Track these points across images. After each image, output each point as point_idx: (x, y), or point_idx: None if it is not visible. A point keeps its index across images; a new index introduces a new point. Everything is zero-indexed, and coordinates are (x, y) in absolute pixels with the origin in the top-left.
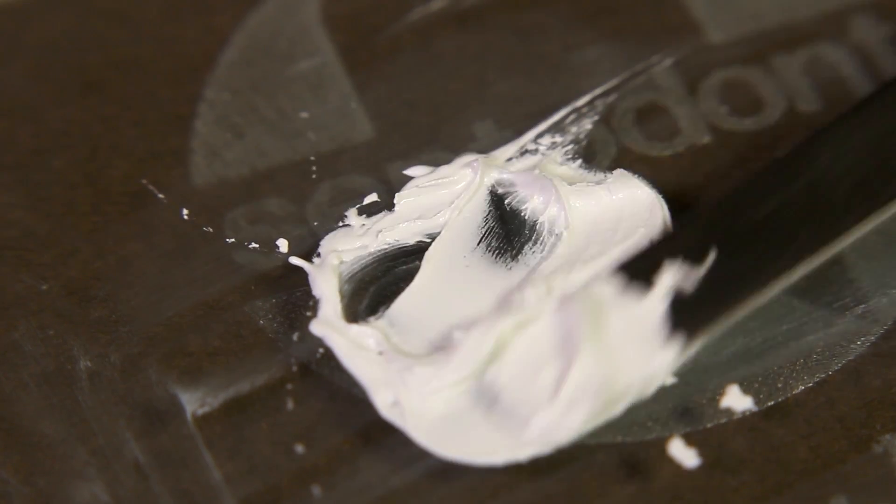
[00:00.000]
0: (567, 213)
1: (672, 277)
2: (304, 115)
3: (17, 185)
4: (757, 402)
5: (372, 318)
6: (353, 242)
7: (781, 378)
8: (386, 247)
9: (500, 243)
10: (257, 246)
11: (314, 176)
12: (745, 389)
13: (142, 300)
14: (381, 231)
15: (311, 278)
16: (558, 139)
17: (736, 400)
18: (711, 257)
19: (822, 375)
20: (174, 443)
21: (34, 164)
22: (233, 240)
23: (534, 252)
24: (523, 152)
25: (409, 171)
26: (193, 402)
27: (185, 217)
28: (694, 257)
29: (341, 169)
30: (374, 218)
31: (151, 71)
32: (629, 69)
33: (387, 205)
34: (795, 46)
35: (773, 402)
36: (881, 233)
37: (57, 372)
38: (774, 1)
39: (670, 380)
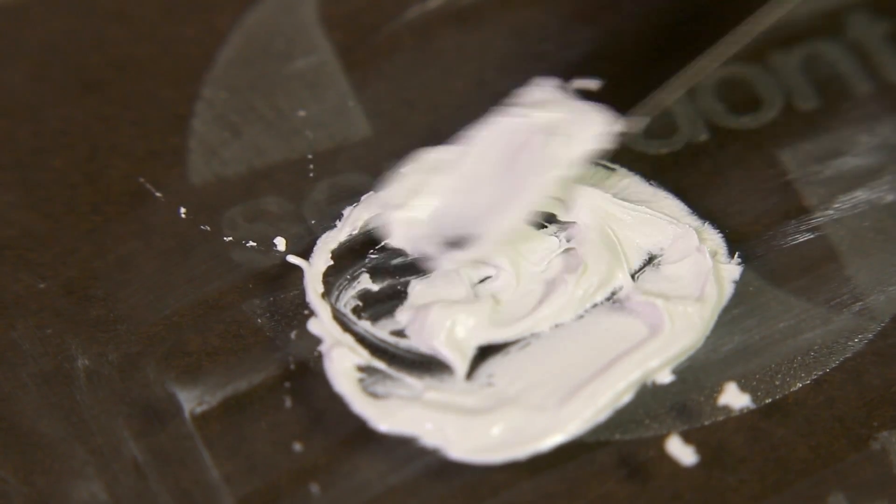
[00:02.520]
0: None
1: None
2: (302, 113)
3: (17, 185)
4: (755, 399)
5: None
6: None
7: (779, 375)
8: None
9: None
10: (255, 244)
11: (312, 174)
12: (743, 387)
13: (140, 299)
14: None
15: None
16: None
17: (734, 397)
18: None
19: (820, 373)
20: (173, 442)
21: (34, 163)
22: (230, 238)
23: None
24: None
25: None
26: (192, 401)
27: (183, 216)
28: None
29: (339, 167)
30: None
31: (150, 70)
32: None
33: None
34: (793, 44)
35: (770, 400)
36: (878, 231)
37: (55, 371)
38: None
39: (668, 378)
